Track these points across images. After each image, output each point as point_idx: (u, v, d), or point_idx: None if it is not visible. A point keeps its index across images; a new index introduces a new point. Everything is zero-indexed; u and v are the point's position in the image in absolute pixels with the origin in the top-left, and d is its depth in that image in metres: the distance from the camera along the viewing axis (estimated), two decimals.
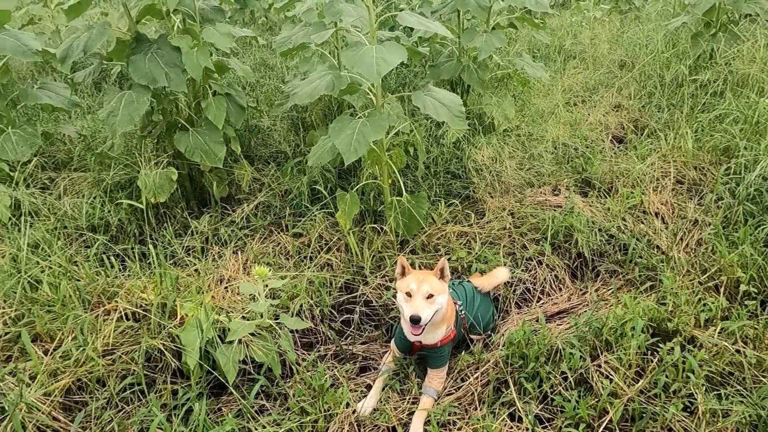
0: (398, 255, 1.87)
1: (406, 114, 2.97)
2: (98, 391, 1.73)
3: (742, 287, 1.92)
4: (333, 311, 2.20)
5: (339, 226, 2.42)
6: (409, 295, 1.68)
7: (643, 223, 2.52)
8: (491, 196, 2.71)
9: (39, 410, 1.64)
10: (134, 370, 1.78)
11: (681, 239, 2.38)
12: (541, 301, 2.24)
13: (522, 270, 2.33)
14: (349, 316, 2.20)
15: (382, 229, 2.45)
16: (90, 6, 2.62)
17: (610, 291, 2.17)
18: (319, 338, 2.10)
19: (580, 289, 2.27)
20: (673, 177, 2.84)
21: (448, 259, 2.36)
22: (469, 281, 2.08)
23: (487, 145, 2.83)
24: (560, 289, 2.30)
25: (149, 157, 2.72)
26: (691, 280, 2.03)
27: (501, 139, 2.97)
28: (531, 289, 2.29)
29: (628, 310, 1.79)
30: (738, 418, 1.44)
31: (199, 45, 2.48)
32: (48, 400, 1.69)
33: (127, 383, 1.74)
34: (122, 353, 1.81)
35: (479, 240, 2.44)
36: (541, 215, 2.51)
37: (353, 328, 2.15)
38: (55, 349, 1.81)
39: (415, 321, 1.64)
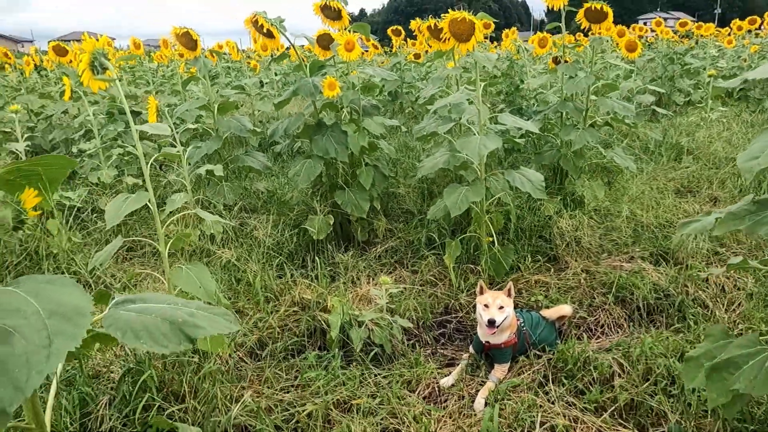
0: (479, 280, 2.60)
1: (511, 189, 3.74)
2: (273, 346, 2.65)
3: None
4: (433, 325, 2.96)
5: (445, 265, 3.22)
6: (486, 306, 2.42)
7: (702, 290, 2.99)
8: (571, 258, 3.34)
9: (235, 354, 2.59)
10: (296, 338, 2.68)
11: (735, 307, 2.82)
12: (599, 339, 2.81)
13: (586, 314, 2.92)
14: (444, 330, 2.94)
15: (477, 270, 3.20)
16: (289, 102, 3.81)
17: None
18: (420, 342, 2.86)
19: (633, 333, 2.80)
20: (742, 256, 3.26)
21: (528, 300, 3.03)
22: (537, 312, 2.74)
23: (571, 217, 3.50)
24: (617, 332, 2.85)
25: (315, 207, 3.76)
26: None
27: (587, 213, 3.61)
28: (592, 328, 2.87)
29: (653, 340, 2.35)
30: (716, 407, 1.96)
31: (360, 130, 3.53)
32: (241, 349, 2.64)
33: (291, 344, 2.64)
34: (290, 324, 2.73)
35: (555, 288, 3.09)
36: (611, 274, 3.10)
37: (447, 338, 2.89)
38: (249, 319, 2.79)
39: (491, 323, 2.36)
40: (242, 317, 2.79)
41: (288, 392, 2.29)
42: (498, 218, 3.32)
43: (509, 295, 2.47)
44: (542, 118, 4.04)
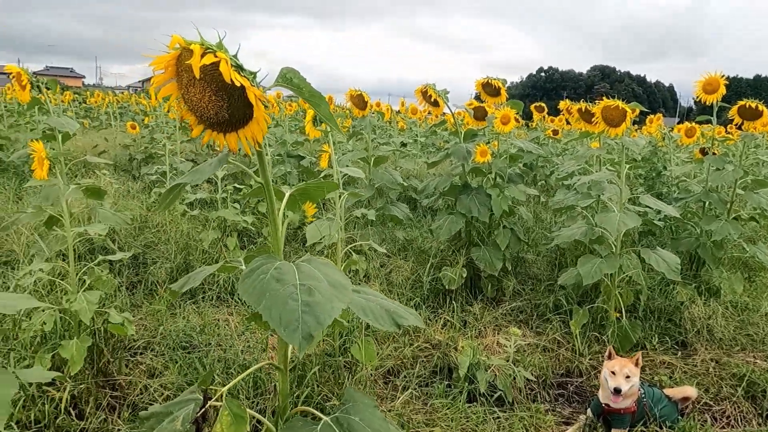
0: (610, 345, 2.75)
1: (644, 269, 3.83)
2: (407, 372, 2.97)
3: None
4: (554, 384, 3.12)
5: (569, 330, 3.38)
6: (613, 373, 2.57)
7: None
8: (701, 345, 3.35)
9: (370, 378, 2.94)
10: (426, 371, 2.99)
11: None
12: (724, 429, 2.80)
13: (712, 402, 2.92)
14: (564, 390, 3.09)
15: (602, 340, 3.32)
16: (440, 163, 4.25)
17: None
18: (540, 397, 3.03)
19: (761, 430, 2.76)
20: None
21: (651, 378, 3.10)
22: (660, 390, 2.81)
23: (704, 305, 3.51)
24: (744, 426, 2.82)
25: (451, 259, 4.11)
26: None
27: (722, 304, 3.60)
28: (717, 417, 2.86)
29: None
30: None
31: (503, 195, 3.86)
32: (375, 372, 2.99)
33: (421, 375, 2.95)
34: (422, 358, 3.04)
35: (681, 371, 3.12)
36: (743, 367, 3.08)
37: (565, 399, 3.03)
38: (387, 347, 3.14)
39: (617, 391, 2.51)
40: (382, 345, 3.15)
41: (418, 413, 2.58)
42: (628, 294, 3.44)
43: (637, 365, 2.59)
44: (682, 205, 4.11)
